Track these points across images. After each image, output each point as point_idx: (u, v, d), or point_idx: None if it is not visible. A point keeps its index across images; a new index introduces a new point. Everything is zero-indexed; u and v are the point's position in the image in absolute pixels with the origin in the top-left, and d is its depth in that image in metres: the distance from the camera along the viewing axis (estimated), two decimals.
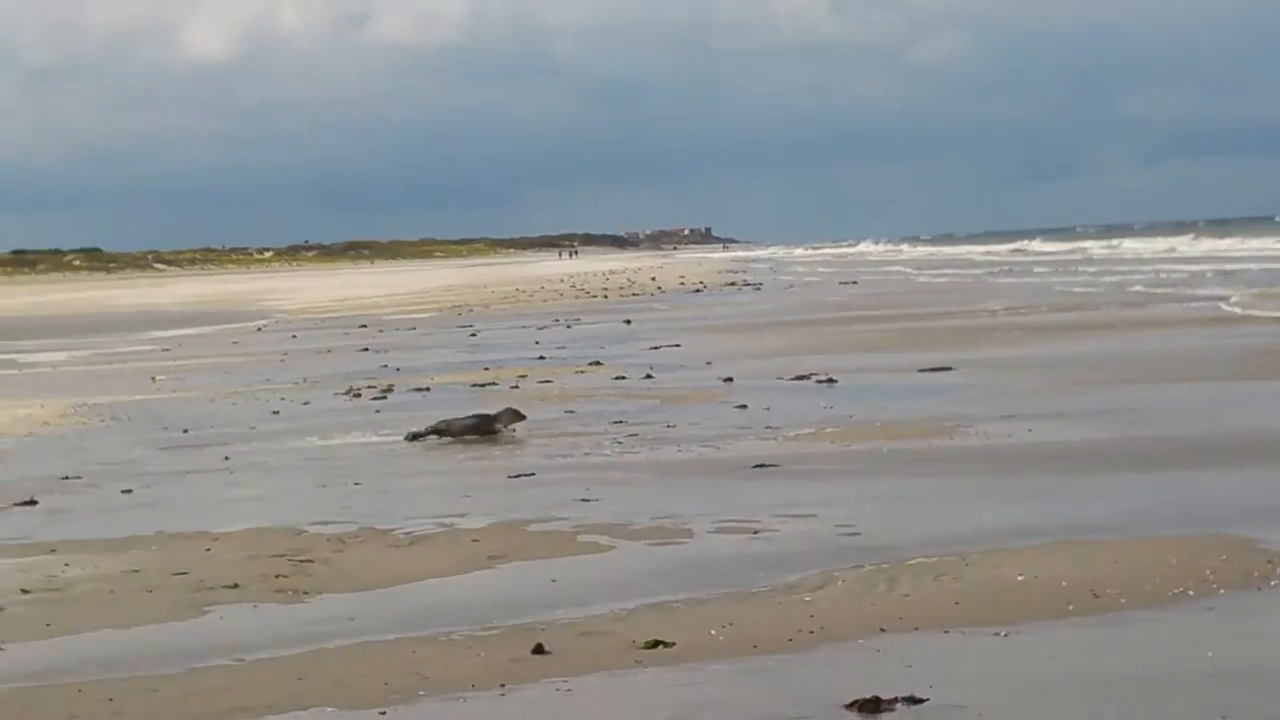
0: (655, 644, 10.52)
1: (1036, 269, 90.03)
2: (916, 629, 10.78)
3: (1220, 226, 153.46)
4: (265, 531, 15.34)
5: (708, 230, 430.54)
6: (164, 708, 9.62)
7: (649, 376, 30.72)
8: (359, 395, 29.66)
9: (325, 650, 10.76)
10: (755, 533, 14.38)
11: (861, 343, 37.57)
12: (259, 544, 14.67)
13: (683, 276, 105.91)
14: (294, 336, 53.60)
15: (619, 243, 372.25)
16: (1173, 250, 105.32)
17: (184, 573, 13.48)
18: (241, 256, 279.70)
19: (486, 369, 34.40)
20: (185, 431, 24.82)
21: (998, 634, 10.58)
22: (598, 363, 34.72)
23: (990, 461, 18.20)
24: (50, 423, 26.84)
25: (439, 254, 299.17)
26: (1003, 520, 14.48)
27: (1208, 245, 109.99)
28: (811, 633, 10.76)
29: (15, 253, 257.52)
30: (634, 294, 78.58)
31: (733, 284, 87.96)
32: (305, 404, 28.64)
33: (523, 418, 22.82)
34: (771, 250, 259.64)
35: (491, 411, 23.11)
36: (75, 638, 11.51)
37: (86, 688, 10.08)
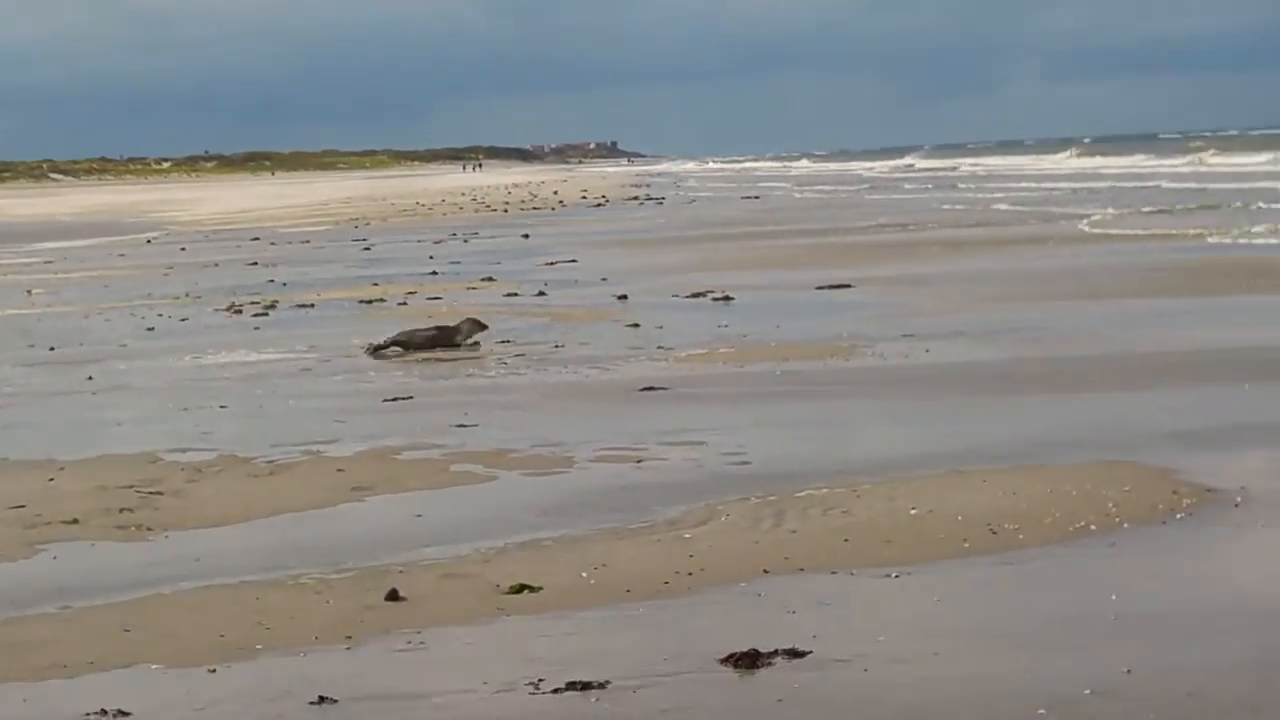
0: (521, 588, 9.75)
1: (907, 185, 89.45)
2: (802, 570, 10.05)
3: (1106, 144, 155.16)
4: (117, 459, 14.43)
5: (613, 144, 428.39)
6: None
7: (541, 294, 29.89)
8: (240, 311, 28.70)
9: (160, 597, 9.92)
10: (639, 462, 13.62)
11: (761, 259, 36.82)
12: (108, 473, 13.76)
13: (585, 190, 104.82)
14: (183, 249, 52.32)
15: (524, 156, 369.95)
16: (1051, 168, 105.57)
17: (20, 506, 12.56)
18: (139, 167, 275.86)
19: (375, 284, 33.46)
20: (52, 349, 23.81)
21: (888, 575, 9.86)
22: (490, 279, 33.87)
23: (886, 384, 17.51)
24: None
25: (342, 166, 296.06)
26: (897, 447, 13.78)
27: (1083, 163, 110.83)
28: (690, 575, 10.00)
29: None
30: (535, 208, 77.52)
31: (635, 198, 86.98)
32: (183, 320, 27.65)
33: (484, 328, 22.32)
34: (677, 164, 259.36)
35: (451, 323, 22.58)
36: None
37: None
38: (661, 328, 23.35)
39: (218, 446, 14.91)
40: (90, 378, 20.38)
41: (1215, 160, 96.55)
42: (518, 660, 8.44)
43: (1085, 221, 43.96)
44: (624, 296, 28.25)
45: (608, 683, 8.00)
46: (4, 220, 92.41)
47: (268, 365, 21.22)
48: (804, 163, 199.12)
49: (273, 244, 53.56)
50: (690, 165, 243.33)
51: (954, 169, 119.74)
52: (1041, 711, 7.45)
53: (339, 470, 13.64)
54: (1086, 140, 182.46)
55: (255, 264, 42.39)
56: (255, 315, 27.96)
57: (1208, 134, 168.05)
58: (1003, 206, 56.31)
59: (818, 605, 9.27)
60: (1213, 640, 8.39)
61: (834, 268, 32.46)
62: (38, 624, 9.44)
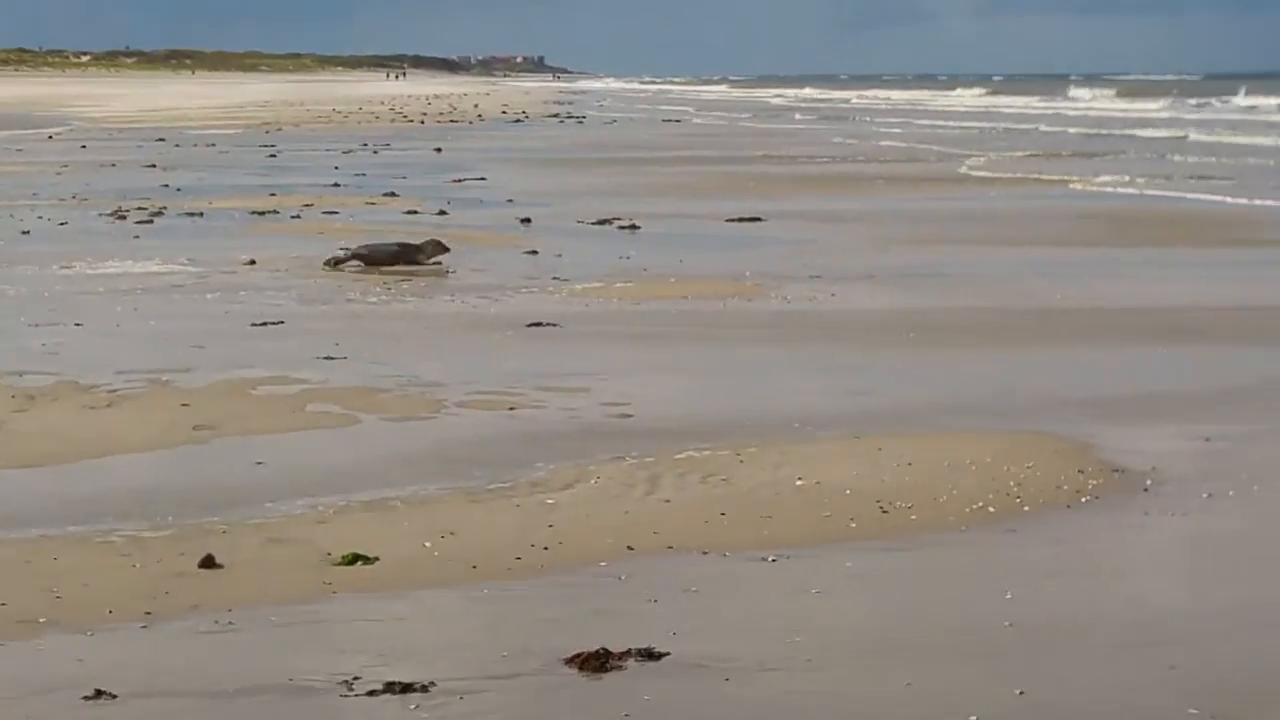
0: (354, 559, 8.72)
1: (797, 116, 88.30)
2: (671, 549, 9.07)
3: (1018, 83, 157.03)
4: None
5: (540, 59, 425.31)
6: None
7: (443, 213, 28.76)
8: (124, 217, 27.43)
9: None
10: (512, 409, 12.60)
11: (675, 185, 35.76)
12: None
13: (506, 105, 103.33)
14: (83, 147, 50.79)
15: (450, 66, 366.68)
16: (950, 105, 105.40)
17: None
18: (58, 60, 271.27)
19: (273, 194, 32.25)
20: None
21: (764, 559, 8.89)
22: (393, 194, 32.72)
23: (788, 329, 16.54)
24: None
25: (265, 68, 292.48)
26: (790, 403, 12.81)
27: (986, 101, 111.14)
28: (546, 550, 9.00)
29: None
30: (453, 121, 76.11)
31: (556, 116, 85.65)
32: (62, 224, 26.41)
33: (446, 250, 21.48)
34: (603, 83, 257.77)
35: (415, 241, 21.74)
36: None
37: None
38: (560, 256, 22.32)
39: (60, 371, 13.78)
40: None
41: (1113, 104, 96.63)
42: (335, 651, 7.42)
43: (964, 165, 42.92)
44: (527, 220, 27.18)
45: (432, 685, 6.99)
46: None
47: (138, 279, 20.06)
48: (723, 87, 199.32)
49: (177, 145, 52.09)
50: (615, 84, 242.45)
51: (848, 101, 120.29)
52: None
53: (183, 405, 12.55)
54: (997, 78, 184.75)
55: (154, 166, 41.00)
56: (139, 223, 26.72)
57: (1127, 76, 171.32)
58: (890, 144, 55.20)
59: (683, 593, 8.29)
60: (1114, 656, 7.46)
61: (747, 199, 31.44)
62: None
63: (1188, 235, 25.61)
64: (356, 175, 38.05)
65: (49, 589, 8.19)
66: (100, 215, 27.86)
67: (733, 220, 27.28)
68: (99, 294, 18.60)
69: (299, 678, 7.08)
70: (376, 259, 21.08)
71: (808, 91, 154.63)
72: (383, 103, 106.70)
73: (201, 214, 28.28)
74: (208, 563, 8.59)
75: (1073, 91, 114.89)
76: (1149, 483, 10.46)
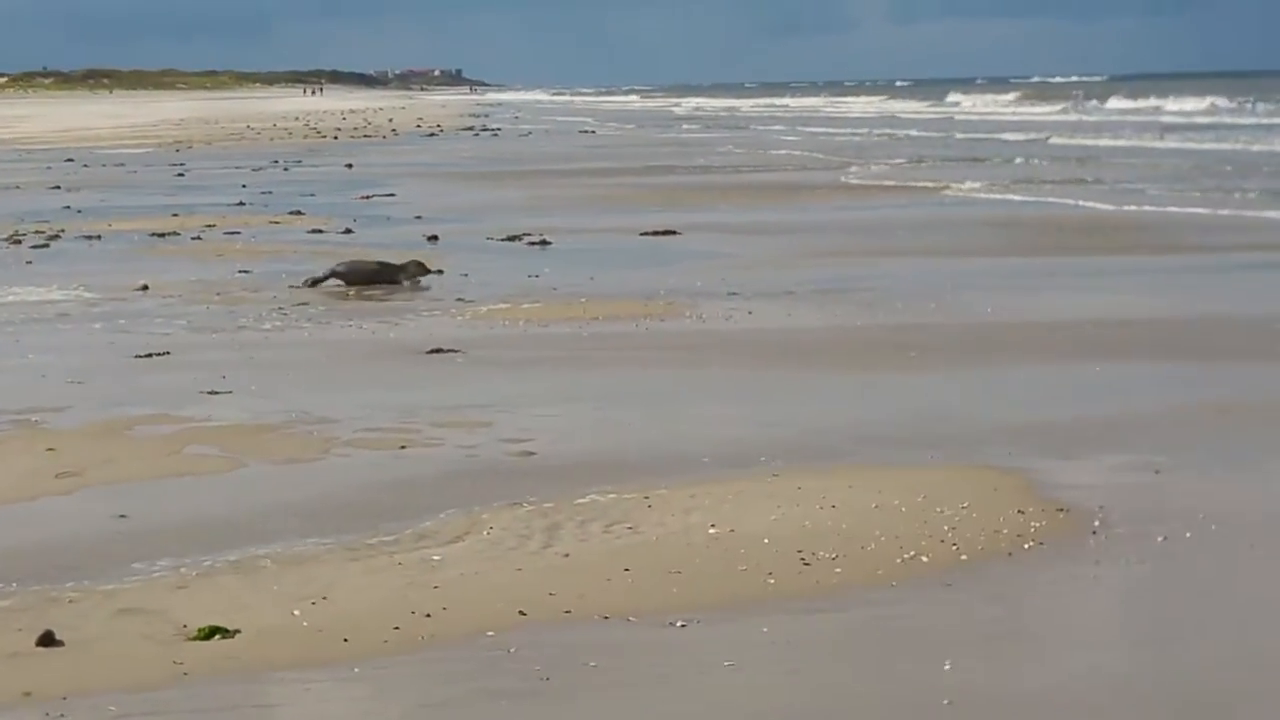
0: (212, 633, 7.76)
1: (685, 125, 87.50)
2: (569, 613, 8.14)
3: (922, 87, 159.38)
4: None
5: (458, 72, 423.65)
6: None
7: (349, 231, 27.78)
8: (19, 242, 26.35)
9: None
10: (403, 448, 11.66)
11: (589, 198, 34.85)
12: None
13: (421, 119, 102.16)
14: None
15: (368, 81, 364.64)
16: (844, 112, 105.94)
17: None
18: None
19: (175, 215, 31.18)
20: None
21: (671, 624, 7.97)
22: (299, 212, 31.71)
23: (702, 352, 15.64)
24: None
25: (182, 86, 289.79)
26: (704, 436, 11.92)
27: (884, 106, 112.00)
28: (428, 617, 8.06)
29: None
30: (366, 136, 74.97)
31: (471, 129, 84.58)
32: None
33: (428, 271, 20.93)
34: (519, 94, 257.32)
35: (396, 261, 21.20)
36: None
37: None
38: (467, 275, 21.38)
39: None
40: None
41: (1006, 108, 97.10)
42: None
43: (845, 174, 42.13)
44: (434, 238, 26.23)
45: None
46: None
47: (25, 308, 19.04)
48: (634, 97, 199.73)
49: (86, 166, 50.83)
50: (531, 95, 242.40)
51: (740, 110, 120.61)
52: None
53: (49, 450, 11.55)
54: (902, 84, 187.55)
55: (58, 188, 39.82)
56: (34, 247, 25.67)
57: (1031, 80, 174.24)
58: (780, 152, 54.39)
59: (580, 669, 7.37)
60: None
61: (662, 211, 30.55)
62: None
63: (1083, 242, 24.89)
64: (263, 193, 37.01)
65: None
66: None
67: (647, 234, 26.39)
68: None
69: None
70: (356, 277, 20.45)
71: (705, 101, 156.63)
72: (297, 118, 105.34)
73: (99, 237, 27.22)
74: (47, 640, 7.62)
75: (961, 96, 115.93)
76: (1096, 524, 9.61)
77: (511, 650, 7.59)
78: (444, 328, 17.14)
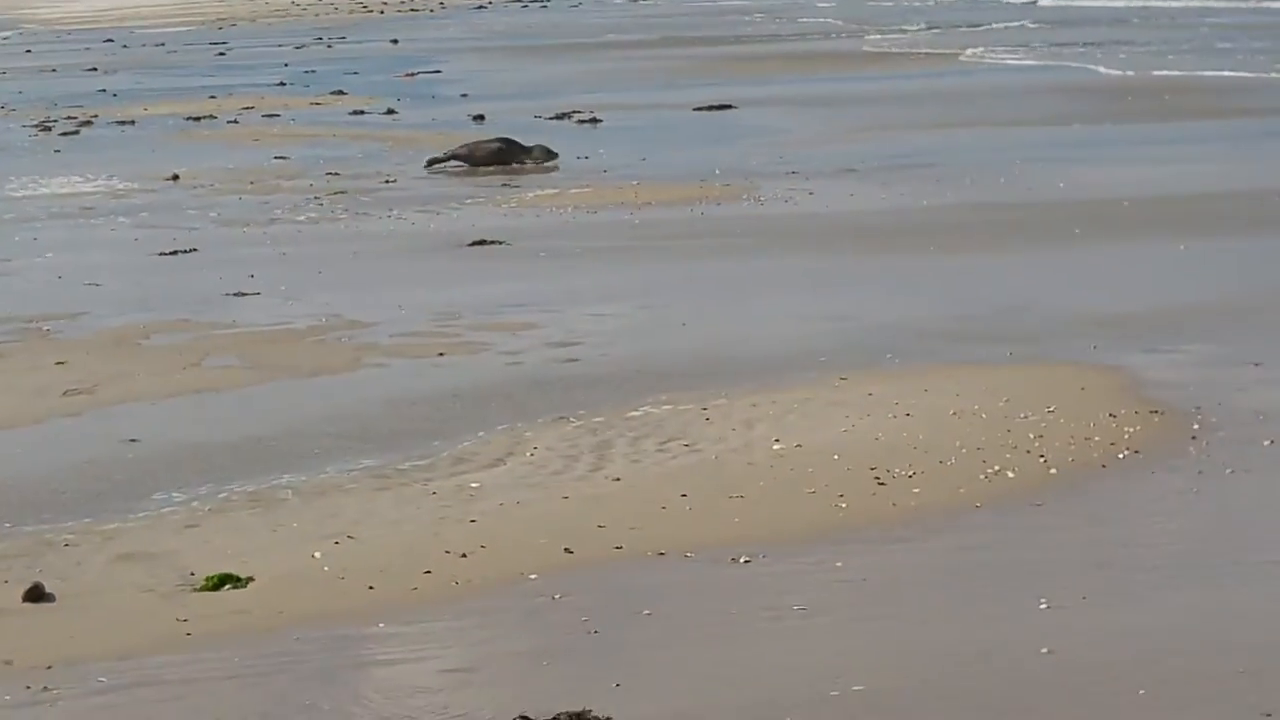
0: (221, 582, 6.95)
1: None
2: (619, 549, 7.29)
3: None
4: None
5: None
6: None
7: (391, 112, 26.83)
8: (49, 129, 25.52)
9: None
10: (441, 354, 10.82)
11: (639, 71, 33.72)
12: None
13: None
14: (28, 51, 48.59)
15: None
16: None
17: None
18: None
19: (213, 97, 30.25)
20: None
21: (735, 559, 7.12)
22: (341, 92, 30.72)
23: (762, 238, 14.74)
24: None
25: None
26: (765, 336, 11.10)
27: None
28: (463, 558, 7.21)
29: None
30: (414, 9, 73.59)
31: (520, 0, 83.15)
32: None
33: (554, 155, 20.10)
34: None
35: (523, 141, 20.38)
36: None
37: None
38: None
39: None
40: None
41: None
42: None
43: (864, 42, 40.77)
44: (480, 117, 25.25)
45: None
46: None
47: (48, 201, 18.25)
48: None
49: (125, 47, 49.86)
50: None
51: None
52: None
53: (58, 363, 10.76)
54: None
55: (94, 70, 38.90)
56: (64, 134, 24.84)
57: None
58: (806, 19, 52.81)
59: (632, 619, 6.54)
60: (1185, 701, 5.73)
61: (715, 84, 29.45)
62: None
63: (1141, 108, 23.74)
64: (306, 72, 36.01)
65: None
66: (24, 126, 25.96)
67: (701, 109, 25.36)
68: (1, 221, 16.78)
69: None
70: (477, 158, 19.85)
71: None
72: None
73: (133, 122, 26.35)
74: (35, 594, 6.83)
75: None
76: (1196, 427, 8.71)
77: (556, 597, 6.76)
78: (488, 217, 16.27)
